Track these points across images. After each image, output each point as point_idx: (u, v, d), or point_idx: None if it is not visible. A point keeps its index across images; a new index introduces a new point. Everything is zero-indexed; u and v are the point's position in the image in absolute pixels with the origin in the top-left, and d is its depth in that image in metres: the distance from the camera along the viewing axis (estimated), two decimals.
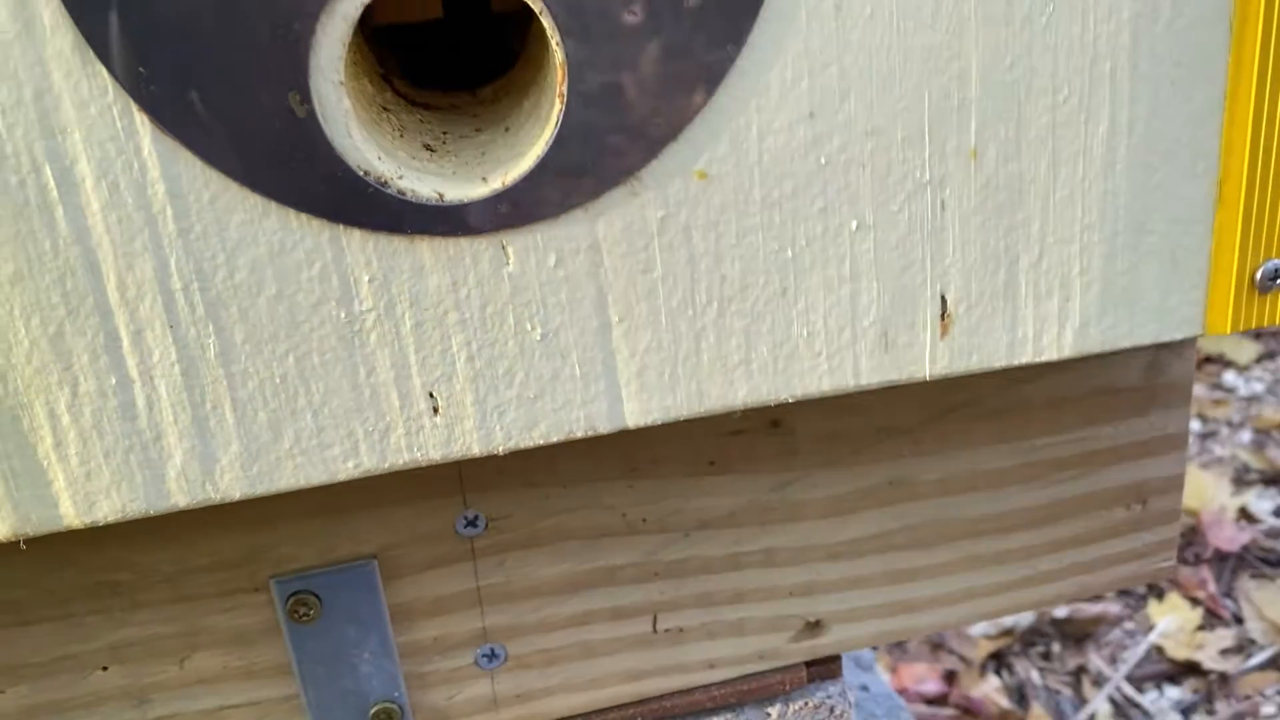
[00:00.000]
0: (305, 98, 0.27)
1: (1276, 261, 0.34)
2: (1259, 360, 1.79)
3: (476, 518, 0.39)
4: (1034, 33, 0.30)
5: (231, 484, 0.30)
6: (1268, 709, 1.22)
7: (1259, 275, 0.34)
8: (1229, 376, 1.76)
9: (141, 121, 0.26)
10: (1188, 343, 0.43)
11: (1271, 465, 1.55)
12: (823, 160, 0.30)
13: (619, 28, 0.28)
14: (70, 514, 0.29)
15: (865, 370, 0.33)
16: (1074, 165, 0.32)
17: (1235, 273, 0.34)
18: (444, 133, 0.32)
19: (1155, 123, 0.32)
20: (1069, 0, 0.30)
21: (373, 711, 0.40)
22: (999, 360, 0.34)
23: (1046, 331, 0.34)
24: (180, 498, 0.30)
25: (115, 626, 0.38)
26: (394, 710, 0.40)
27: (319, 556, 0.38)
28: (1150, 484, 0.46)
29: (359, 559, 0.39)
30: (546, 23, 0.27)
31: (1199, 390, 1.72)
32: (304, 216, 0.28)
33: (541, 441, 0.31)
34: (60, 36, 0.25)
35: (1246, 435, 1.62)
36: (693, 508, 0.42)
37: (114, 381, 0.28)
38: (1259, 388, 1.73)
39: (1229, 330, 0.35)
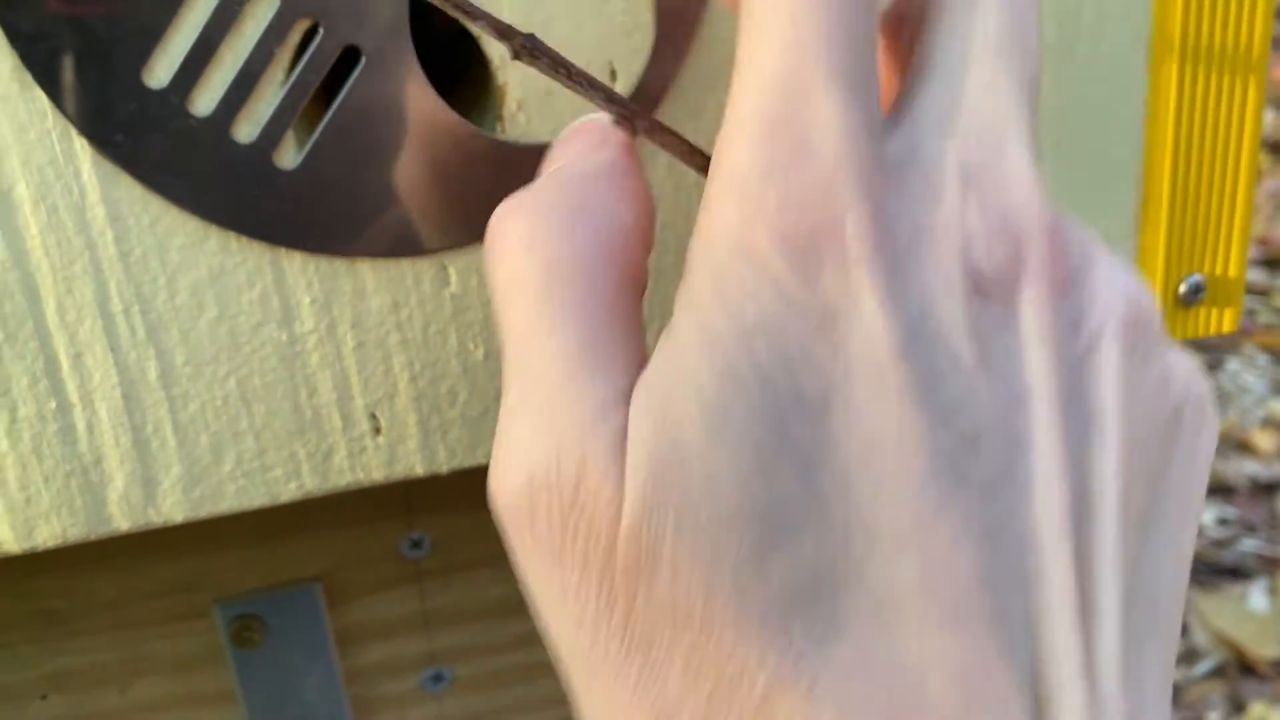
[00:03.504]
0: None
1: (1198, 277, 0.35)
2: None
3: (422, 539, 0.39)
4: None
5: (174, 507, 0.30)
6: (1212, 717, 1.24)
7: (1182, 290, 0.35)
8: None
9: (81, 146, 0.26)
10: None
11: (1214, 476, 1.59)
12: None
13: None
14: (9, 540, 0.29)
15: None
16: None
17: (1159, 288, 0.35)
18: None
19: (1078, 142, 0.33)
20: None
21: None
22: None
23: None
24: (122, 521, 0.30)
25: (54, 655, 0.37)
26: None
27: (263, 581, 0.38)
28: None
29: (303, 582, 0.39)
30: (489, 50, 0.28)
31: None
32: (244, 239, 0.28)
33: (485, 461, 0.32)
34: None
35: None
36: None
37: (54, 406, 0.28)
38: None
39: None
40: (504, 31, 0.23)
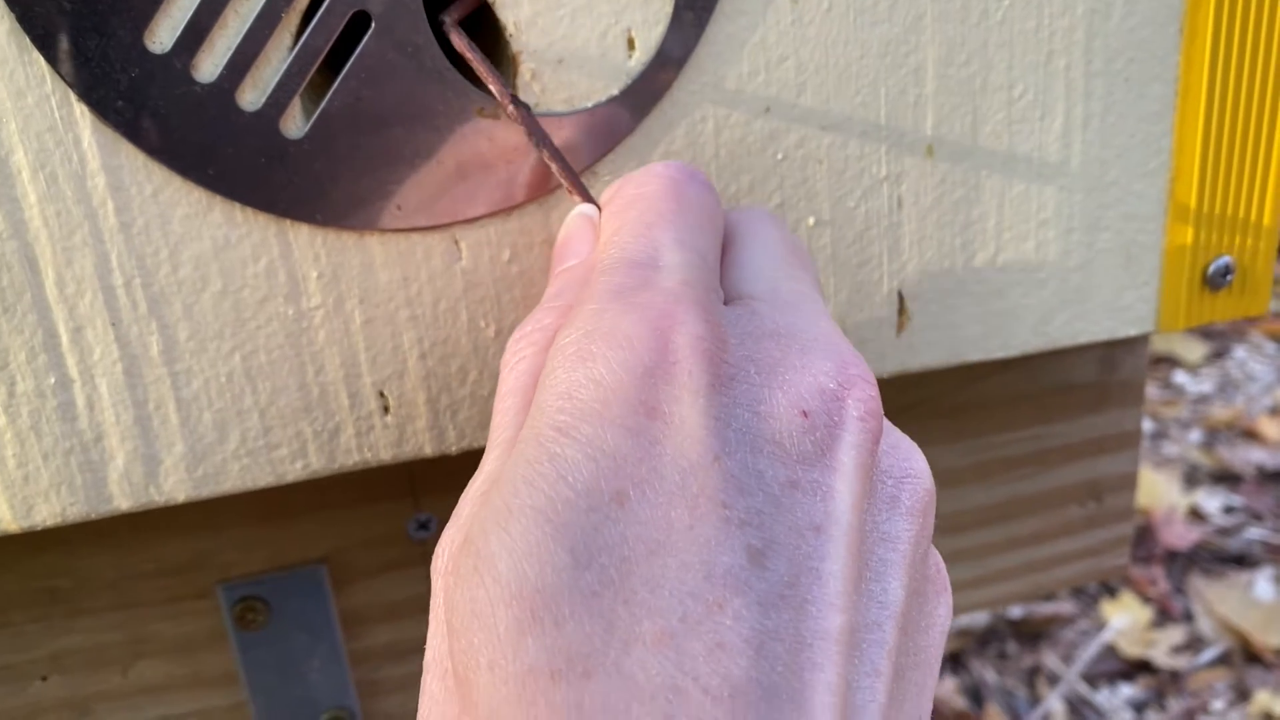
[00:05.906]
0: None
1: (1227, 258, 0.34)
2: (1208, 360, 1.82)
3: (429, 520, 0.39)
4: (989, 27, 0.30)
5: (176, 486, 0.29)
6: (1217, 704, 1.24)
7: (1210, 272, 0.34)
8: (1179, 376, 1.79)
9: (81, 112, 0.26)
10: (1140, 339, 0.43)
11: (1220, 464, 1.58)
12: (780, 155, 0.30)
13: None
14: (7, 518, 0.28)
15: None
16: (1029, 161, 0.32)
17: (1188, 269, 0.34)
18: None
19: (1109, 119, 0.32)
20: None
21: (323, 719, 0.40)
22: (955, 357, 0.34)
23: (1002, 328, 0.34)
24: (123, 501, 0.29)
25: (55, 635, 0.37)
26: (345, 718, 0.40)
27: (267, 561, 0.38)
28: (1104, 481, 0.47)
29: (308, 564, 0.38)
30: (501, 16, 0.27)
31: (1150, 390, 1.74)
32: (249, 211, 0.27)
33: None
34: None
35: (1196, 434, 1.64)
36: None
37: (53, 381, 0.27)
38: (1208, 387, 1.75)
39: (1181, 327, 0.35)
40: (506, 94, 0.26)
